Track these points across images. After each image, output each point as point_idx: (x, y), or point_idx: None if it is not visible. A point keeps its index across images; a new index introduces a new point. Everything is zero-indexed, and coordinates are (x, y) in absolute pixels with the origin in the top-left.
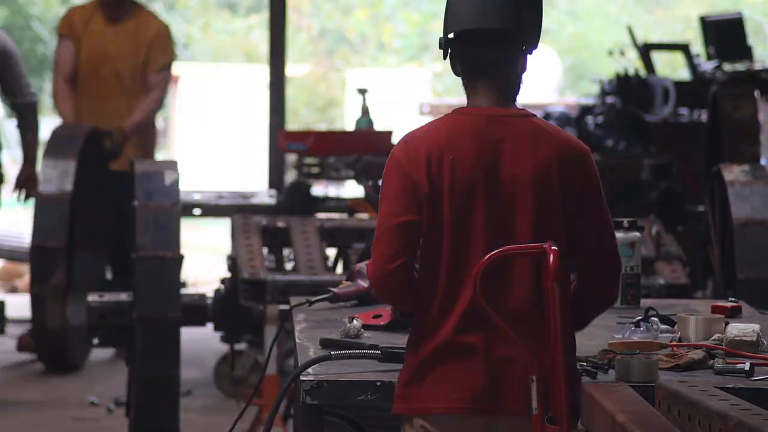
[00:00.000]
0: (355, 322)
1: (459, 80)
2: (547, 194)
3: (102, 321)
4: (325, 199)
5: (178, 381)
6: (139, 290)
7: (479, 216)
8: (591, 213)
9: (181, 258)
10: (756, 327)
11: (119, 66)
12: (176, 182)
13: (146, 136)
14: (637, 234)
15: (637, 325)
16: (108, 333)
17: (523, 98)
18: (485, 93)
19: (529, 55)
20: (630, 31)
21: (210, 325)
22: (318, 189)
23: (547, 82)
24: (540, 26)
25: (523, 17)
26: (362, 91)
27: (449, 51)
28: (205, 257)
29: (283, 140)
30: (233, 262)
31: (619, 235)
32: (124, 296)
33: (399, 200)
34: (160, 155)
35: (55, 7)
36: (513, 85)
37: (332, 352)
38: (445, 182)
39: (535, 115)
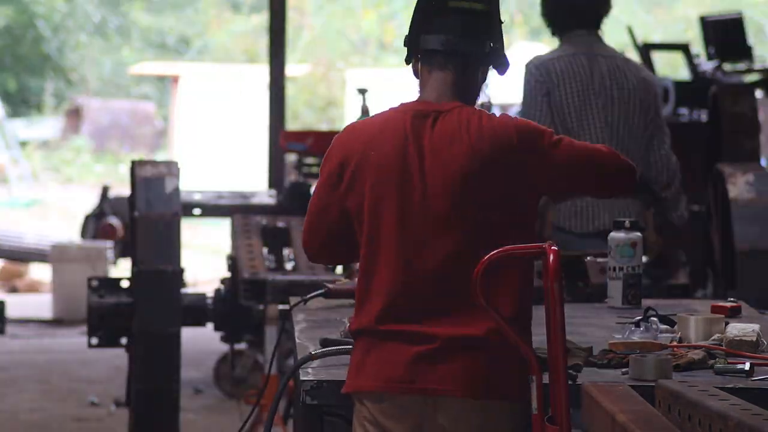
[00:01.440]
0: None
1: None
2: (473, 185)
3: (101, 322)
4: None
5: (178, 395)
6: (139, 304)
7: (389, 216)
8: (555, 163)
9: (181, 271)
10: (756, 327)
11: None
12: (177, 189)
13: None
14: (639, 234)
15: (637, 325)
16: (107, 333)
17: None
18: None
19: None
20: (630, 31)
21: (210, 325)
22: None
23: None
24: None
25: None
26: (362, 91)
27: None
28: (205, 257)
29: (283, 140)
30: (233, 262)
31: (620, 235)
32: (123, 297)
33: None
34: (160, 155)
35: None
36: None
37: (312, 352)
38: (365, 181)
39: (470, 108)
